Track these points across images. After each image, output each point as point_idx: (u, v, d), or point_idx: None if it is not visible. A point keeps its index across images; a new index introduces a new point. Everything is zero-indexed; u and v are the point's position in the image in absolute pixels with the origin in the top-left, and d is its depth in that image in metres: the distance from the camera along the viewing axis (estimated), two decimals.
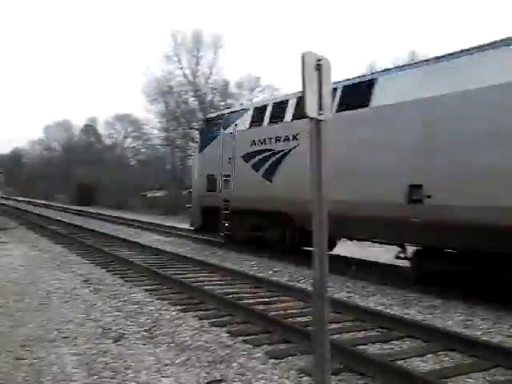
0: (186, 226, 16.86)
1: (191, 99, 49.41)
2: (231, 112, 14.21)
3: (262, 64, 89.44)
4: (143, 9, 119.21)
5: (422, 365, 4.59)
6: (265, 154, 11.68)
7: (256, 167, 11.94)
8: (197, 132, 40.26)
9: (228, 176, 13.09)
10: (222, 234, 13.81)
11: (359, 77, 9.93)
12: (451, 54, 7.94)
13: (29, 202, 47.25)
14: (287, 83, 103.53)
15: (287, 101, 11.39)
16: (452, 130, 7.54)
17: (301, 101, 3.34)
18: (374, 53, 62.78)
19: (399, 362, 4.55)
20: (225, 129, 13.64)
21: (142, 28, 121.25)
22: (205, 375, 4.20)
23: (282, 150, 11.08)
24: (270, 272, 10.27)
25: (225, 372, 4.30)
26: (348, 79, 9.90)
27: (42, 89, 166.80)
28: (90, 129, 79.50)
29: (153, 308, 6.59)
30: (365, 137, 9.00)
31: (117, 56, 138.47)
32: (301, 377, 4.27)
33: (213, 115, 15.96)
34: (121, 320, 5.88)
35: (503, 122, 6.88)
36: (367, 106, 9.03)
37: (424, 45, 64.32)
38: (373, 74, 9.80)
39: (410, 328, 5.68)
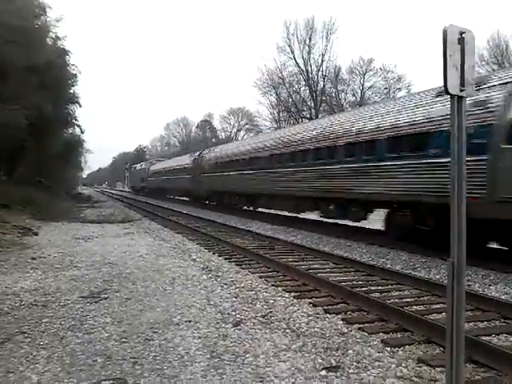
0: None
1: (302, 88, 49.49)
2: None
3: (374, 45, 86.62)
4: (257, 3, 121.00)
5: None
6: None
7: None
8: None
9: None
10: None
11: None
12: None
13: (154, 197, 50.64)
14: (401, 63, 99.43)
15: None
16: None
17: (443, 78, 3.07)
18: (497, 21, 57.70)
19: None
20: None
21: (256, 22, 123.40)
22: (321, 361, 4.24)
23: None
24: (383, 260, 10.03)
25: (341, 359, 4.30)
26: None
27: (164, 90, 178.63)
28: (206, 124, 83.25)
29: (268, 294, 6.77)
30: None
31: (232, 52, 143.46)
32: (419, 366, 4.13)
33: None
34: (238, 305, 6.12)
35: None
36: None
37: None
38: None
39: None
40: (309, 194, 16.46)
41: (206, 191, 30.23)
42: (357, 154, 13.65)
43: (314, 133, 16.93)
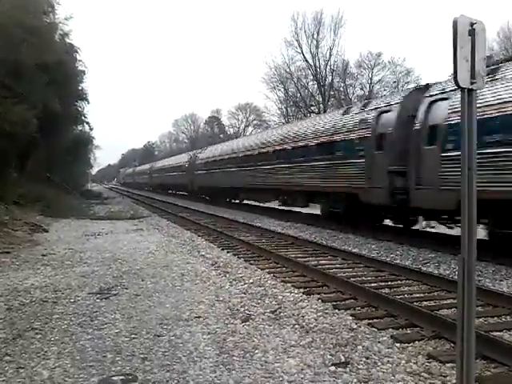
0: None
1: (310, 83, 49.24)
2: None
3: (382, 38, 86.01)
4: None
5: None
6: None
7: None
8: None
9: None
10: None
11: None
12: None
13: (165, 193, 50.82)
14: (410, 56, 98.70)
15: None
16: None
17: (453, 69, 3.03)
18: (508, 13, 57.00)
19: None
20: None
21: (264, 17, 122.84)
22: (330, 357, 4.23)
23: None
24: (392, 255, 10.00)
25: (350, 355, 4.29)
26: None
27: (172, 86, 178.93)
28: (214, 120, 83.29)
29: (277, 290, 6.77)
30: None
31: (239, 47, 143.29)
32: (429, 362, 4.12)
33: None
34: (247, 301, 6.13)
35: None
36: None
37: None
38: None
39: None
40: (270, 186, 20.91)
41: (198, 187, 34.66)
42: (295, 156, 18.12)
43: (271, 139, 22.02)
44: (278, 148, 20.45)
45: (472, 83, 3.00)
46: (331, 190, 15.14)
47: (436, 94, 11.30)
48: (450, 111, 10.24)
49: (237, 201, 29.25)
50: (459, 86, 3.00)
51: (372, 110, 13.84)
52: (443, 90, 11.13)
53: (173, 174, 43.45)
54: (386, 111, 13.01)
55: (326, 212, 16.44)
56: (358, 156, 13.57)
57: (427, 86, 12.33)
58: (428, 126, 11.02)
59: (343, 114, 15.71)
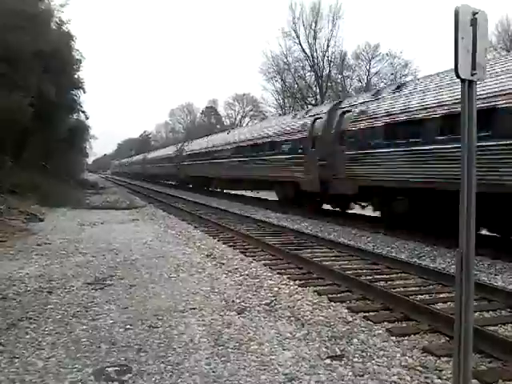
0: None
1: (308, 74, 49.02)
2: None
3: (381, 29, 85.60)
4: None
5: None
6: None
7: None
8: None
9: None
10: None
11: None
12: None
13: (162, 184, 50.72)
14: (408, 48, 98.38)
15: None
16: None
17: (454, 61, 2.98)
18: (506, 6, 56.78)
19: None
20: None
21: (261, 6, 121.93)
22: (325, 350, 4.23)
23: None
24: (388, 248, 10.01)
25: (345, 348, 4.29)
26: None
27: (169, 76, 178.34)
28: (210, 110, 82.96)
29: (272, 282, 6.77)
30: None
31: (237, 38, 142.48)
32: (425, 356, 4.12)
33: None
34: (243, 293, 6.12)
35: None
36: None
37: None
38: None
39: None
40: (238, 176, 24.66)
41: (184, 176, 38.47)
42: (257, 151, 21.87)
43: (238, 137, 25.91)
44: (243, 144, 24.46)
45: (473, 74, 2.93)
46: (282, 179, 18.82)
47: (344, 107, 14.94)
48: (350, 121, 14.04)
49: (217, 189, 32.05)
50: (459, 77, 2.93)
51: (311, 116, 17.47)
52: (350, 103, 14.86)
53: (163, 164, 46.38)
54: (319, 118, 16.45)
55: (281, 197, 20.56)
56: (300, 153, 17.29)
57: (341, 100, 16.59)
58: (339, 131, 14.69)
59: (292, 118, 19.90)
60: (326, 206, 17.42)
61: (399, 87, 12.75)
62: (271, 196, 23.07)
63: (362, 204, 15.22)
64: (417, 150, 10.97)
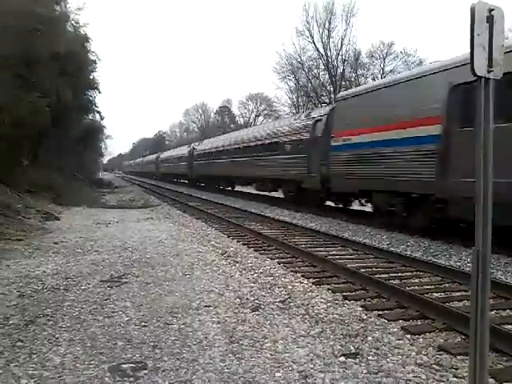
0: None
1: (322, 73, 48.85)
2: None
3: (395, 27, 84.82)
4: None
5: None
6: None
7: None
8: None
9: None
10: None
11: None
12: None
13: (175, 182, 50.99)
14: (422, 46, 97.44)
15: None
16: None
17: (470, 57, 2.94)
18: None
19: None
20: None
21: (275, 6, 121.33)
22: (339, 348, 4.22)
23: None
24: (403, 246, 9.94)
25: (360, 345, 4.27)
26: None
27: (183, 76, 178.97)
28: (224, 110, 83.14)
29: (286, 280, 6.77)
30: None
31: (250, 38, 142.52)
32: (440, 354, 4.09)
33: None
34: (257, 291, 6.13)
35: None
36: None
37: None
38: None
39: None
40: (245, 175, 25.88)
41: (196, 175, 39.25)
42: (263, 151, 22.96)
43: (247, 137, 27.04)
44: (251, 144, 25.46)
45: (489, 72, 2.90)
46: (287, 178, 19.79)
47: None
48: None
49: (226, 188, 32.95)
50: (475, 75, 2.90)
51: (312, 118, 18.45)
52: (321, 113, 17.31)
53: (176, 164, 47.51)
54: (320, 120, 17.40)
55: (286, 195, 21.24)
56: (303, 153, 18.33)
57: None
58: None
59: (295, 120, 20.98)
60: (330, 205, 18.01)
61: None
62: (277, 194, 23.41)
63: (361, 201, 15.58)
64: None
